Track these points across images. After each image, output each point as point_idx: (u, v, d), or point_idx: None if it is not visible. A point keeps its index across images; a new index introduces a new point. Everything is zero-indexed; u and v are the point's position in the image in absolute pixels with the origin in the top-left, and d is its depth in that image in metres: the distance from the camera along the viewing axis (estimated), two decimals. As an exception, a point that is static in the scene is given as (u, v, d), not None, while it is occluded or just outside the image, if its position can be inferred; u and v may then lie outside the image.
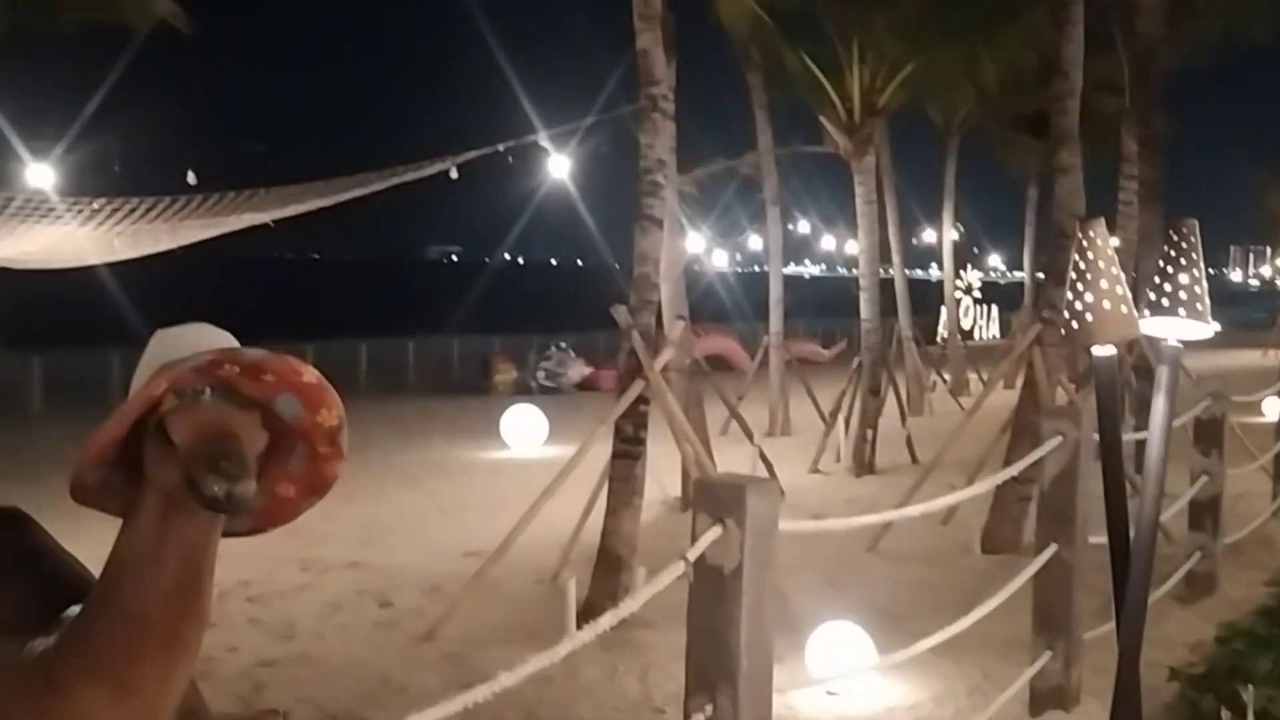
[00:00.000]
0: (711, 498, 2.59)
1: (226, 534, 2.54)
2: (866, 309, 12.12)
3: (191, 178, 10.50)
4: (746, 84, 13.92)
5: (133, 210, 8.11)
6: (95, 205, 8.10)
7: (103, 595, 2.32)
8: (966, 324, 28.58)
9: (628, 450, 6.19)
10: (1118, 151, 12.18)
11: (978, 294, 33.69)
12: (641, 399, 6.20)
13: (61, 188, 9.48)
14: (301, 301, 44.53)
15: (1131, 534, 3.22)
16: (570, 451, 11.81)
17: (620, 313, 6.32)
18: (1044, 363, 7.81)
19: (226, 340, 2.58)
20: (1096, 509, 4.43)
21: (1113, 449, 3.16)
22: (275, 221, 9.20)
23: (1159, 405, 2.89)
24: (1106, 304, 2.71)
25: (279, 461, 2.67)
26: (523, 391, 19.66)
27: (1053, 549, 4.28)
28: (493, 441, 13.56)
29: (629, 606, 2.61)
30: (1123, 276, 2.85)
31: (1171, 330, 2.75)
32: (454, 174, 9.22)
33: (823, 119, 12.19)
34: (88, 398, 14.83)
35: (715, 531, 2.53)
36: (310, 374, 2.60)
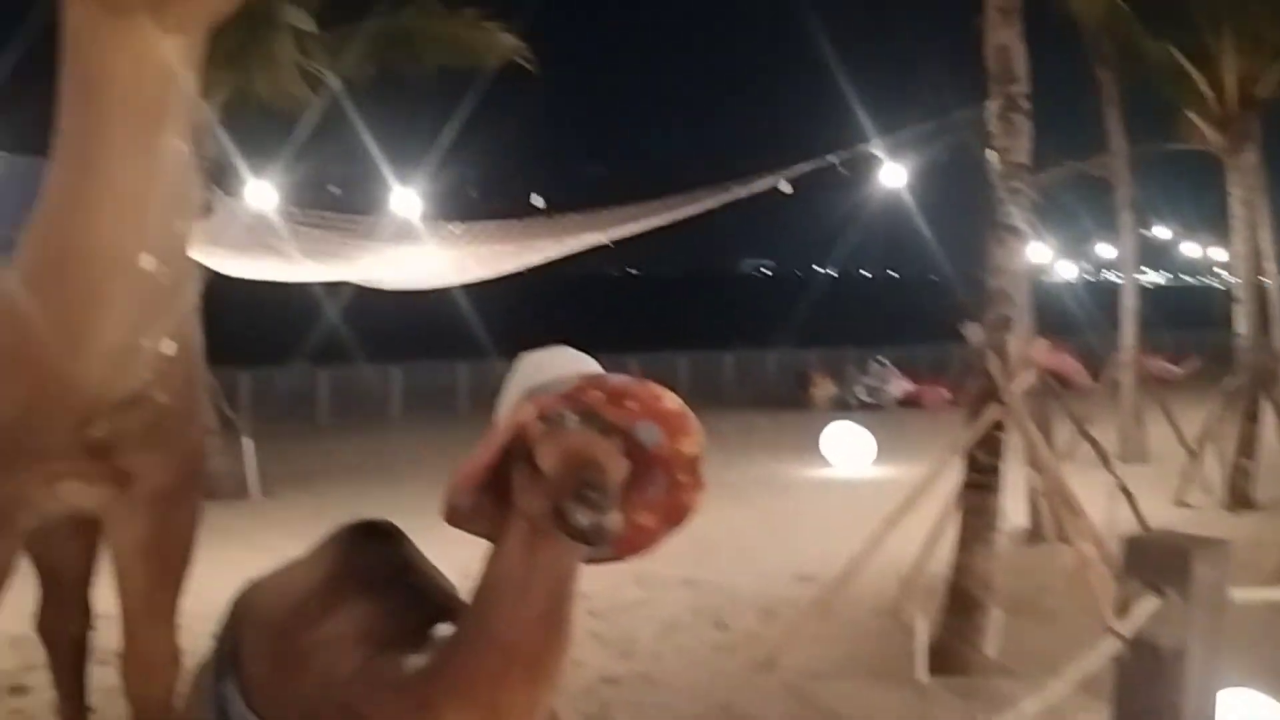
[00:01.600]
0: (1147, 561, 2.21)
1: (587, 562, 2.44)
2: (1242, 323, 10.75)
3: (538, 200, 11.05)
4: (1096, 80, 12.82)
5: (485, 233, 8.59)
6: (453, 229, 8.66)
7: (473, 621, 2.28)
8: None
9: (981, 481, 5.73)
10: None
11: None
12: (997, 425, 5.72)
13: (424, 213, 10.24)
14: (623, 316, 46.23)
15: None
16: (899, 472, 11.38)
17: (972, 330, 5.87)
18: None
19: (588, 364, 2.48)
20: None
21: None
22: (614, 241, 9.43)
23: None
24: None
25: (638, 490, 2.53)
26: (841, 407, 19.26)
27: None
28: (814, 458, 13.30)
29: (1056, 690, 2.25)
30: None
31: None
32: (786, 189, 9.06)
33: (1190, 113, 10.96)
34: (439, 406, 16.05)
35: (1153, 603, 2.14)
36: (672, 401, 2.43)
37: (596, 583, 7.20)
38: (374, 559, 2.65)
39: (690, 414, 2.26)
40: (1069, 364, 20.94)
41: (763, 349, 27.05)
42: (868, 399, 20.24)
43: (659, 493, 2.43)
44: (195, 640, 2.90)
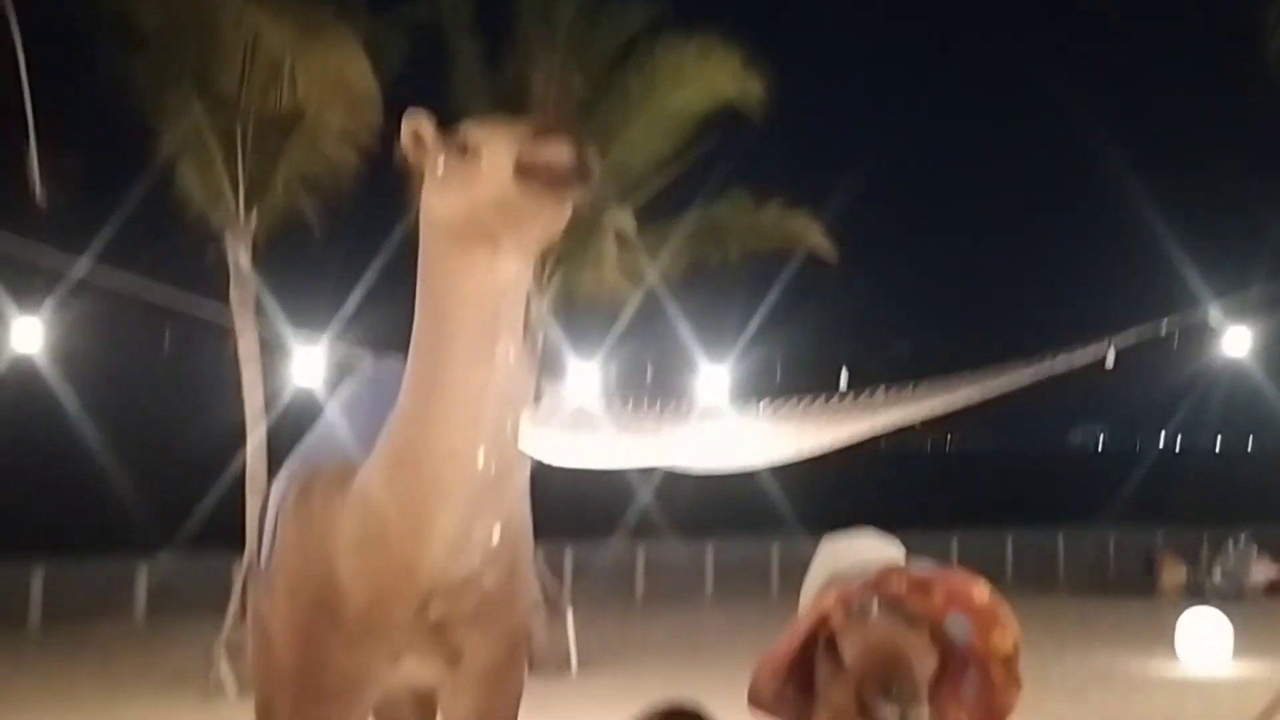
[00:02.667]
0: None
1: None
2: None
3: (843, 379, 11.09)
4: None
5: (791, 411, 8.65)
6: (760, 409, 8.80)
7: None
8: None
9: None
10: None
11: None
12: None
13: (731, 394, 10.55)
14: (943, 492, 44.53)
15: None
16: (1264, 670, 10.02)
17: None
18: None
19: (894, 549, 2.44)
20: None
21: None
22: (923, 425, 9.21)
23: None
24: None
25: (949, 685, 2.42)
26: (1194, 594, 17.33)
27: None
28: (1163, 652, 11.99)
29: None
30: None
31: None
32: (1110, 363, 8.57)
33: None
34: (751, 583, 16.04)
35: None
36: (982, 592, 2.34)
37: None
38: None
39: (1004, 606, 2.17)
40: None
41: (1099, 527, 25.04)
42: (1226, 585, 18.09)
43: (972, 690, 2.32)
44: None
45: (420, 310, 2.26)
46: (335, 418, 3.02)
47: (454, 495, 2.25)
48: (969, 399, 8.95)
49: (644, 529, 21.35)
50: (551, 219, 2.15)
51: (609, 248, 11.23)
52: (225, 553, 11.58)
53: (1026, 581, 19.85)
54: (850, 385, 10.06)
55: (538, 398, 10.60)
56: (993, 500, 38.88)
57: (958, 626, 2.21)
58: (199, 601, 13.21)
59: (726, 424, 9.81)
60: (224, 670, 9.79)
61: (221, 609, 10.10)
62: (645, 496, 17.72)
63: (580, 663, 11.79)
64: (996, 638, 2.21)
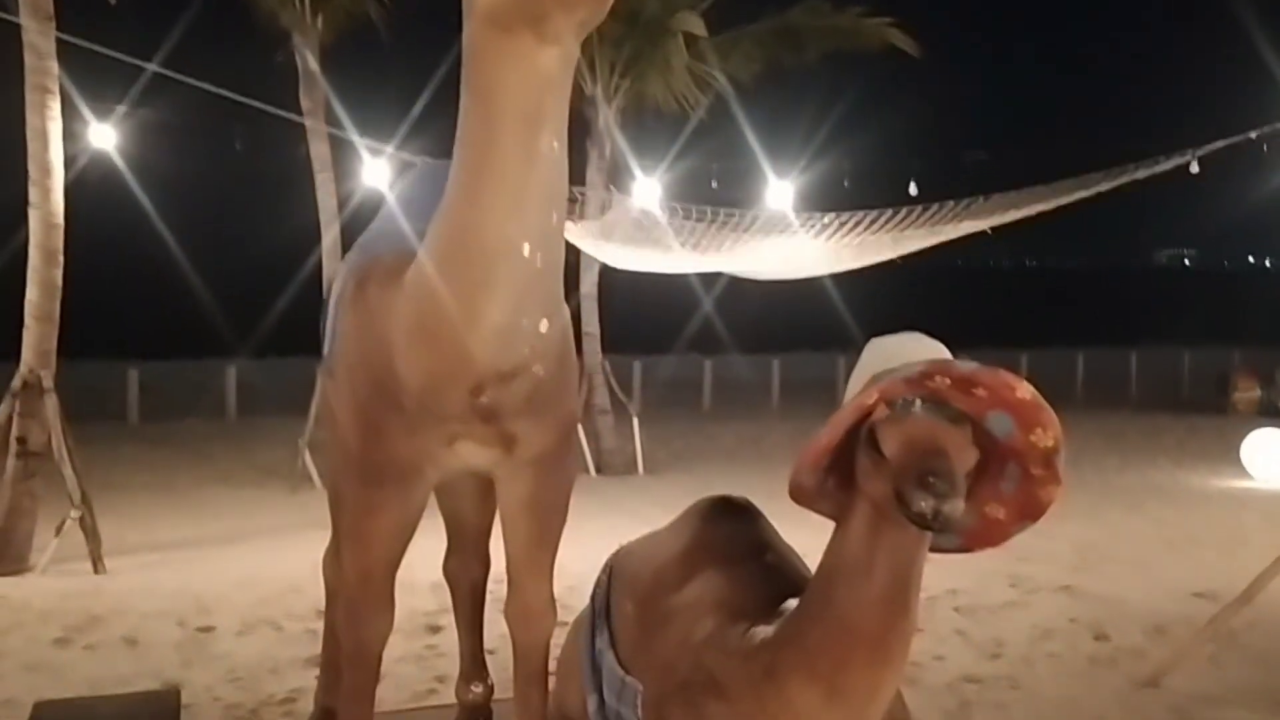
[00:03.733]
0: None
1: (934, 550, 2.43)
2: None
3: (913, 189, 10.86)
4: None
5: (858, 223, 8.59)
6: (825, 220, 8.74)
7: (817, 598, 2.37)
8: None
9: None
10: None
11: None
12: None
13: (797, 205, 10.42)
14: (1017, 310, 43.91)
15: None
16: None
17: None
18: None
19: (938, 350, 2.46)
20: None
21: None
22: (993, 229, 9.06)
23: None
24: None
25: (989, 481, 2.49)
26: (1268, 413, 17.14)
27: None
28: (1231, 469, 11.98)
29: None
30: None
31: None
32: (1194, 168, 8.22)
33: None
34: (817, 397, 16.20)
35: None
36: (1025, 390, 2.37)
37: (965, 579, 7.03)
38: (730, 533, 2.83)
39: (1045, 405, 2.20)
40: None
41: (1175, 346, 24.65)
42: (1300, 405, 17.83)
43: (1012, 485, 2.38)
44: (581, 596, 3.24)
45: (465, 101, 2.25)
46: (391, 212, 3.07)
47: (501, 285, 2.31)
48: (1039, 207, 8.75)
49: (712, 344, 21.57)
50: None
51: (678, 52, 10.91)
52: (306, 354, 12.03)
53: (1096, 400, 19.82)
54: (920, 197, 9.94)
55: (606, 205, 10.60)
56: (1070, 320, 38.30)
57: (999, 424, 2.24)
58: (284, 400, 13.86)
59: (789, 234, 9.79)
60: (308, 463, 10.35)
61: (305, 407, 10.58)
62: (711, 310, 17.81)
63: (647, 467, 12.19)
64: (1037, 435, 2.24)
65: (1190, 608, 6.56)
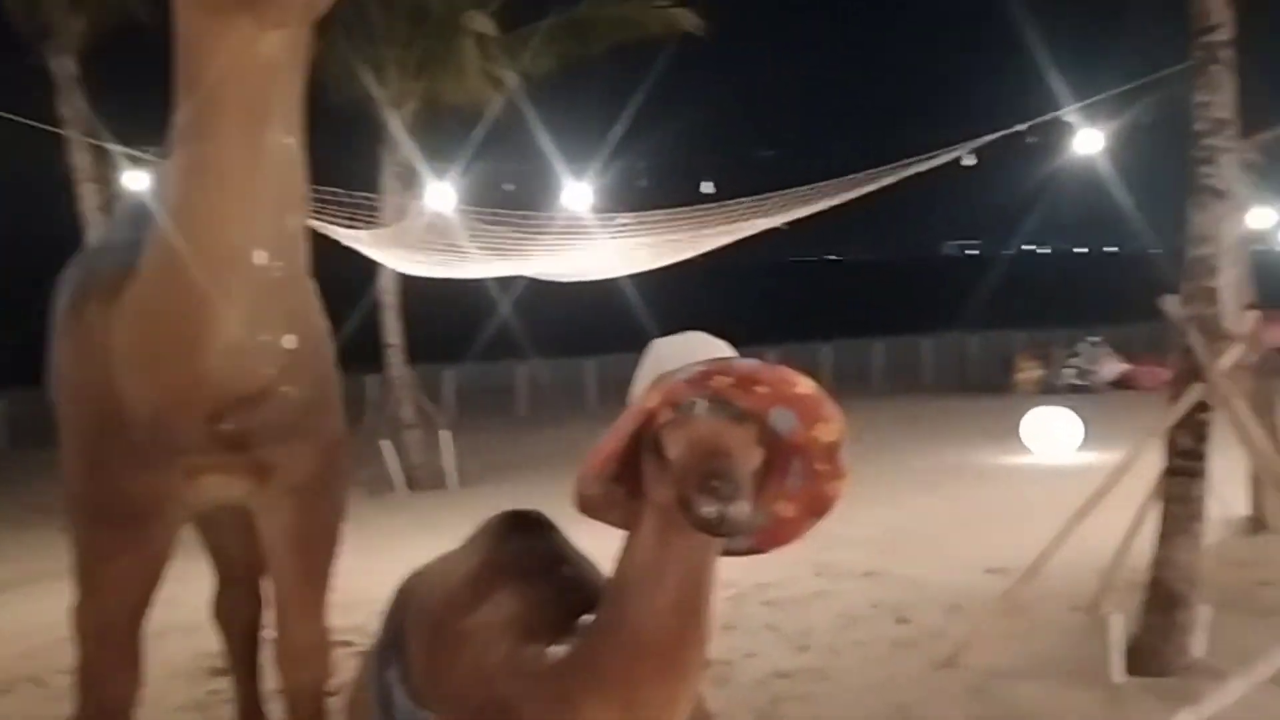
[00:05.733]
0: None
1: (726, 554, 2.34)
2: None
3: (709, 187, 10.99)
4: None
5: (655, 223, 8.60)
6: (623, 220, 8.72)
7: (608, 612, 2.23)
8: None
9: (1184, 466, 5.26)
10: None
11: None
12: (1201, 406, 5.24)
13: (595, 205, 10.37)
14: (818, 302, 45.58)
15: None
16: (1106, 458, 10.62)
17: (1170, 303, 5.40)
18: None
19: (721, 349, 2.37)
20: None
21: None
22: (788, 224, 9.25)
23: None
24: None
25: (776, 479, 2.40)
26: (1049, 391, 18.29)
27: None
28: (1016, 445, 12.66)
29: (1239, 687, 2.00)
30: None
31: None
32: (969, 161, 8.62)
33: None
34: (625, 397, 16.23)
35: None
36: (806, 385, 2.28)
37: (774, 572, 7.10)
38: (523, 549, 2.67)
39: (827, 399, 2.14)
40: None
41: (966, 332, 26.06)
42: (1077, 381, 19.11)
43: (798, 482, 2.32)
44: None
45: (180, 94, 2.00)
46: (116, 221, 2.76)
47: (232, 299, 2.07)
48: (829, 203, 9.00)
49: (524, 349, 21.37)
50: None
51: (469, 52, 10.67)
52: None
53: (894, 386, 20.71)
54: (715, 195, 10.05)
55: (400, 212, 10.25)
56: (869, 310, 40.00)
57: (783, 420, 2.18)
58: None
59: (587, 235, 9.74)
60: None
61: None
62: (521, 315, 17.62)
63: (459, 480, 11.89)
64: (820, 430, 2.19)
65: (984, 584, 6.82)
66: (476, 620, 2.53)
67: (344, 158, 11.54)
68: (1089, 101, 8.47)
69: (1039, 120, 8.53)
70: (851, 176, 8.55)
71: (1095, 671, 5.09)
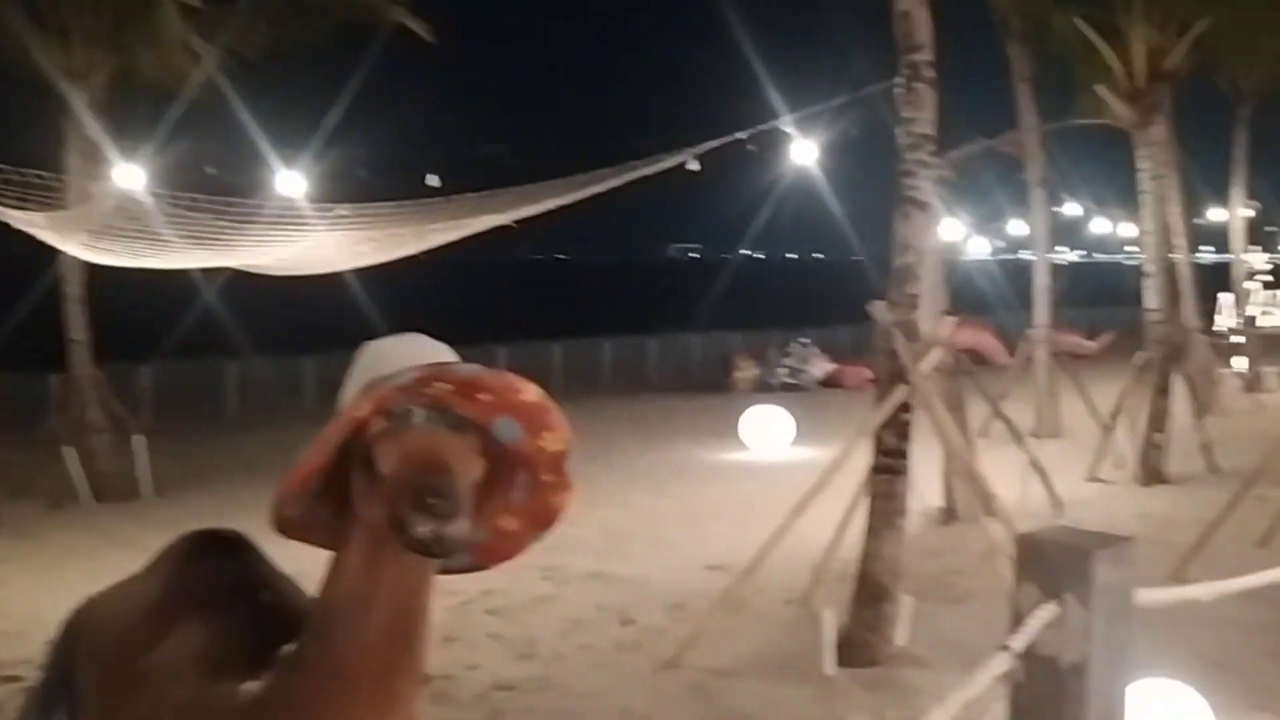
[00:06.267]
0: (1042, 563, 1.96)
1: (445, 572, 2.11)
2: (1152, 298, 10.76)
3: (434, 180, 10.64)
4: (1006, 56, 12.79)
5: (377, 215, 8.19)
6: (342, 211, 8.24)
7: (310, 644, 1.93)
8: (1253, 311, 25.65)
9: (889, 464, 5.52)
10: None
11: (1267, 277, 30.30)
12: (904, 406, 5.52)
13: (310, 194, 9.76)
14: (549, 302, 45.81)
15: None
16: (817, 454, 11.20)
17: (878, 309, 5.66)
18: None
19: (441, 352, 2.14)
20: None
21: None
22: (517, 222, 9.08)
23: None
24: None
25: (500, 491, 2.18)
26: (764, 389, 19.15)
27: None
28: (735, 442, 13.10)
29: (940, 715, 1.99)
30: None
31: None
32: (694, 166, 8.78)
33: (1099, 88, 10.91)
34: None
35: (1049, 611, 1.90)
36: (532, 392, 2.07)
37: (500, 578, 6.89)
38: (215, 573, 2.33)
39: (553, 407, 1.98)
40: (989, 341, 21.11)
41: (687, 333, 26.89)
42: (790, 380, 20.13)
43: (523, 494, 2.15)
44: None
45: None
46: None
47: None
48: (558, 202, 8.93)
49: (235, 346, 20.01)
50: None
51: (169, 22, 9.76)
52: None
53: (622, 386, 21.03)
54: (441, 189, 9.76)
55: (85, 194, 9.23)
56: (596, 310, 40.59)
57: (506, 429, 2.00)
58: None
59: (301, 226, 9.17)
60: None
61: None
62: (230, 309, 16.48)
63: (155, 489, 10.88)
64: (546, 439, 2.03)
65: (706, 581, 6.92)
66: (159, 656, 2.19)
67: (18, 132, 10.29)
68: (803, 114, 8.84)
69: (758, 129, 8.79)
70: (580, 176, 8.49)
71: (811, 664, 5.24)
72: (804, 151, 9.33)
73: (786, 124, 9.03)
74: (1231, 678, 4.97)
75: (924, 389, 5.50)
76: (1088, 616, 1.88)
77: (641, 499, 10.10)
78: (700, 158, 9.26)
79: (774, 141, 9.64)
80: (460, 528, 1.79)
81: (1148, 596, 2.10)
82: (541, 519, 2.19)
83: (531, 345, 22.96)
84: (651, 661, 5.48)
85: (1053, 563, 1.94)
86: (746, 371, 20.76)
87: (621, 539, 8.42)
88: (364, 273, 10.08)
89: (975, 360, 20.17)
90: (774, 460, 12.16)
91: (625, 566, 7.54)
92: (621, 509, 9.49)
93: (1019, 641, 1.92)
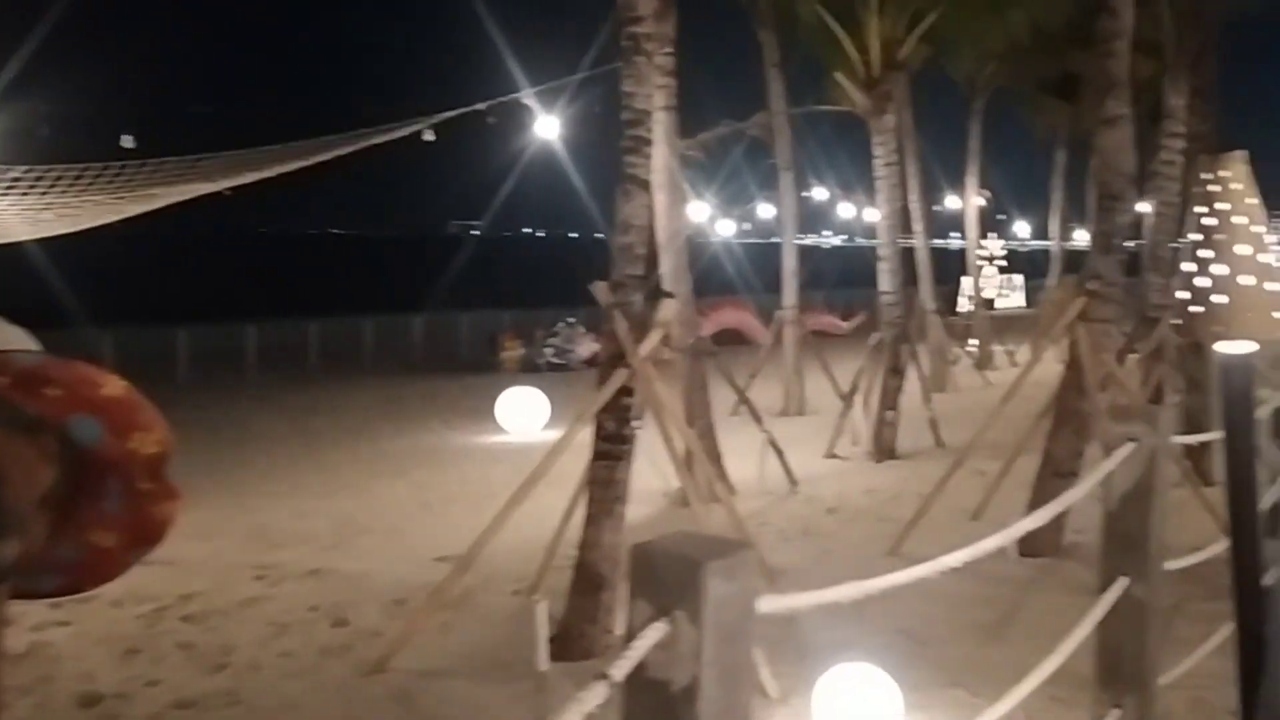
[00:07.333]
0: (653, 577, 1.75)
1: (27, 597, 1.69)
2: (886, 280, 11.19)
3: (129, 141, 9.72)
4: (756, 40, 12.99)
5: (59, 179, 7.32)
6: (18, 173, 7.32)
7: None
8: (990, 294, 27.57)
9: (609, 450, 5.35)
10: (1156, 112, 11.19)
11: (1002, 262, 32.67)
12: (625, 389, 5.36)
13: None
14: (304, 277, 43.84)
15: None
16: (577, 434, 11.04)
17: (599, 289, 5.47)
18: (1089, 341, 6.91)
19: (19, 339, 1.72)
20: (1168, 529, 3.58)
21: (1243, 472, 2.33)
22: (232, 190, 8.38)
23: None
24: (1247, 279, 1.89)
25: (88, 503, 1.79)
26: (530, 369, 18.91)
27: (1123, 584, 3.40)
28: (492, 425, 12.77)
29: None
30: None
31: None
32: (429, 136, 8.36)
33: (838, 75, 11.23)
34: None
35: (657, 630, 1.69)
36: (115, 386, 1.65)
37: (204, 579, 6.35)
38: None
39: (145, 403, 1.60)
40: (746, 320, 21.66)
41: (456, 311, 26.26)
42: (556, 360, 19.97)
43: (117, 505, 1.77)
44: None
45: None
46: None
47: None
48: (279, 169, 8.30)
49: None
50: None
51: None
52: None
53: (382, 366, 20.27)
54: (138, 151, 8.88)
55: None
56: (359, 286, 39.15)
57: (85, 430, 1.62)
58: None
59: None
60: None
61: None
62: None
63: None
64: (137, 440, 1.66)
65: (432, 574, 6.56)
66: None
67: None
68: (543, 87, 8.57)
69: (498, 100, 8.46)
70: (303, 143, 7.91)
71: (525, 661, 5.00)
72: (547, 126, 9.09)
73: (528, 97, 8.75)
74: (930, 653, 5.11)
75: (644, 372, 5.36)
76: (698, 636, 1.68)
77: (382, 486, 9.63)
78: (453, 129, 8.85)
79: (521, 116, 9.34)
80: (10, 548, 1.42)
81: (770, 604, 1.94)
82: (144, 534, 1.81)
83: (285, 324, 21.81)
84: (357, 666, 5.11)
85: (663, 576, 1.73)
86: (513, 351, 20.47)
87: (352, 531, 7.95)
88: (54, 244, 9.02)
89: (737, 340, 20.75)
90: (529, 443, 11.92)
91: (349, 561, 7.09)
92: (357, 498, 9.00)
93: (621, 668, 1.71)
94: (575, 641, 5.09)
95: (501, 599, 6.12)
